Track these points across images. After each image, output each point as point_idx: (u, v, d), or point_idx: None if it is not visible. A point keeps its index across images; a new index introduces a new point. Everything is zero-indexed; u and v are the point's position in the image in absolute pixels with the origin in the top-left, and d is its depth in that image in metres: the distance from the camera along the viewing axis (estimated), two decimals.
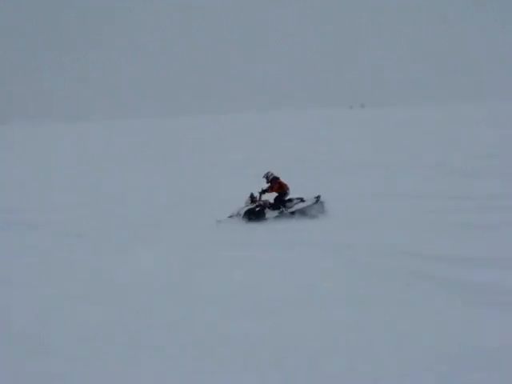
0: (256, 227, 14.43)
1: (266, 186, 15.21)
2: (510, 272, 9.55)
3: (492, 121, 53.01)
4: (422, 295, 8.20)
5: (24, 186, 25.37)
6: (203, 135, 57.09)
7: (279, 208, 14.87)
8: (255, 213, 14.68)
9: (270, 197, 15.25)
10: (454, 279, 9.15)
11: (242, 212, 14.61)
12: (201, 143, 47.00)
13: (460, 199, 17.05)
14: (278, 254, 11.00)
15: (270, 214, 14.80)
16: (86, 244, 12.64)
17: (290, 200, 15.07)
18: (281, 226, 14.37)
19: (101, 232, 14.40)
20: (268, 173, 15.15)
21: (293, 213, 14.82)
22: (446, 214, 14.96)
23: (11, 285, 9.61)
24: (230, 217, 14.61)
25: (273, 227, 14.31)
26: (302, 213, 14.74)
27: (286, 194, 14.95)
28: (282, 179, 15.16)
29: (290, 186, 15.17)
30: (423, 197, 17.83)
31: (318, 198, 14.87)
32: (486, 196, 17.32)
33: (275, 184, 14.93)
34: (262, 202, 14.85)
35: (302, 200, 14.97)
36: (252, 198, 14.82)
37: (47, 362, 6.41)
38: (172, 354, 6.32)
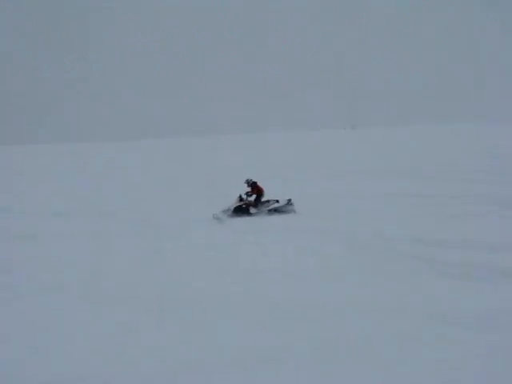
0: (261, 219, 17.45)
1: (248, 189, 18.48)
2: (483, 252, 11.60)
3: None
4: (405, 270, 10.36)
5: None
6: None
7: (259, 206, 18.22)
8: (242, 209, 18.00)
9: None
10: (432, 258, 11.24)
11: (232, 208, 17.92)
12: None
13: (431, 196, 20.68)
14: (289, 238, 14.01)
15: (252, 210, 18.01)
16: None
17: (268, 201, 18.48)
18: (282, 219, 17.19)
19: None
20: (248, 179, 18.61)
21: (270, 211, 18.24)
22: (422, 207, 18.16)
23: (112, 253, 12.99)
24: (224, 211, 17.84)
25: (277, 219, 17.20)
26: (277, 211, 18.25)
27: (262, 195, 18.34)
28: (259, 183, 18.56)
29: (264, 186, 18.72)
30: (404, 195, 21.46)
31: (289, 200, 18.47)
32: (448, 194, 21.09)
33: (255, 188, 18.33)
34: (247, 202, 18.18)
35: (277, 201, 18.46)
36: (240, 198, 18.19)
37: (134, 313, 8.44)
38: (230, 303, 8.75)
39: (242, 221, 17.42)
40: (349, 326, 7.75)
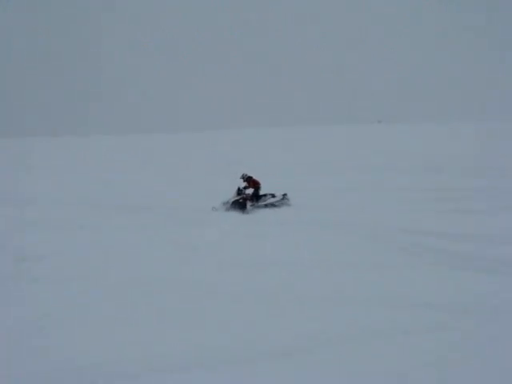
0: (270, 212, 17.89)
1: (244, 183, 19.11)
2: (491, 245, 11.90)
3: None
4: (417, 261, 10.70)
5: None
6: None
7: (257, 200, 18.84)
8: (239, 203, 18.39)
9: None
10: (445, 250, 11.58)
11: (230, 201, 18.46)
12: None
13: (438, 191, 21.04)
14: (302, 228, 14.47)
15: (249, 205, 18.48)
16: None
17: (265, 195, 19.00)
18: (293, 212, 17.59)
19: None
20: (243, 174, 19.22)
21: (266, 205, 18.73)
22: (429, 202, 18.48)
23: (149, 246, 13.00)
24: (223, 204, 18.43)
25: (286, 212, 17.59)
26: (272, 205, 18.83)
27: (259, 188, 18.85)
28: (254, 177, 19.13)
29: (263, 181, 19.29)
30: (411, 189, 21.71)
31: (284, 194, 19.01)
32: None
33: (250, 182, 18.92)
34: (245, 196, 18.59)
35: (273, 196, 19.01)
36: (238, 191, 18.71)
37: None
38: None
39: (264, 212, 17.90)
40: (372, 319, 7.87)
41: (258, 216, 17.56)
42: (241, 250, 12.49)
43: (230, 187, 20.62)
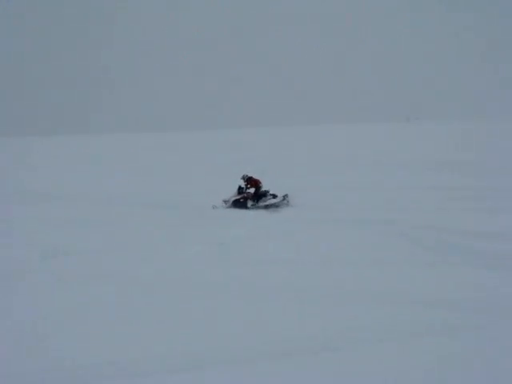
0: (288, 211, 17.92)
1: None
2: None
3: None
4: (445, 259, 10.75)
5: None
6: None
7: (258, 199, 18.86)
8: (240, 202, 18.60)
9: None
10: (475, 248, 11.65)
11: (231, 200, 18.58)
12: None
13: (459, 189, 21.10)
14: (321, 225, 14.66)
15: (249, 204, 18.60)
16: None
17: (265, 194, 18.97)
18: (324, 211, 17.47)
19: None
20: (244, 175, 19.37)
21: (266, 206, 18.67)
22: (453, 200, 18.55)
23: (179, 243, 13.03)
24: (224, 202, 18.56)
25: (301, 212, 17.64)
26: (273, 206, 18.68)
27: (259, 187, 18.97)
28: (254, 176, 19.28)
29: (264, 180, 19.41)
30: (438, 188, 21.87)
31: (285, 195, 18.92)
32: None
33: (251, 181, 19.05)
34: (245, 195, 18.76)
35: (274, 196, 18.95)
36: (239, 190, 18.82)
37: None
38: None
39: (294, 210, 17.93)
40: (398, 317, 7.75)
41: (279, 214, 17.63)
42: (271, 248, 12.55)
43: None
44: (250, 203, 18.78)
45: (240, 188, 18.99)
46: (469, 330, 7.22)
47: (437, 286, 9.15)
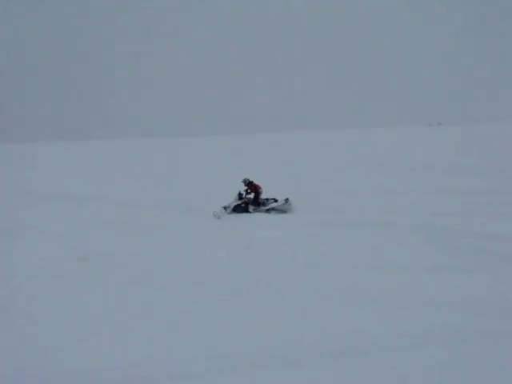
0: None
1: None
2: None
3: None
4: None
5: None
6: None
7: (258, 205, 18.76)
8: (241, 208, 18.53)
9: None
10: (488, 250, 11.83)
11: (232, 206, 18.49)
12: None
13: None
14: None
15: (251, 209, 18.54)
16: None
17: (267, 199, 18.90)
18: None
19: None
20: (245, 179, 19.24)
21: (268, 210, 18.61)
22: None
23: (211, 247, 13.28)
24: (224, 208, 18.39)
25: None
26: (274, 210, 18.57)
27: (259, 192, 18.85)
28: (255, 182, 19.18)
29: (263, 185, 19.23)
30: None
31: (286, 199, 18.71)
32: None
33: (251, 186, 18.94)
34: (246, 200, 18.71)
35: (275, 200, 18.82)
36: (240, 196, 18.73)
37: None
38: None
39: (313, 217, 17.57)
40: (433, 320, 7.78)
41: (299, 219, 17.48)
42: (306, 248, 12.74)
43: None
44: (251, 208, 18.72)
45: (240, 194, 18.89)
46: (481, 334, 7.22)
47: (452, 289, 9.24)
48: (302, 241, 13.73)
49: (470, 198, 19.79)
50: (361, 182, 26.65)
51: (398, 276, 10.10)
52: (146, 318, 8.45)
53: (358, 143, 60.80)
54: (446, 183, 24.56)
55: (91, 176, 35.31)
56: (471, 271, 10.30)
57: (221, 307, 8.81)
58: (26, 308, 9.32)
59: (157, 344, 7.43)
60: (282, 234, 14.68)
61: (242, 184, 19.31)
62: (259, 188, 19.04)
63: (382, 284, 9.65)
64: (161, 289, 9.92)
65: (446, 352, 6.75)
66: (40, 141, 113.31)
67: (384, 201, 19.92)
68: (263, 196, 19.22)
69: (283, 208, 18.65)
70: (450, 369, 6.38)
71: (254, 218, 17.96)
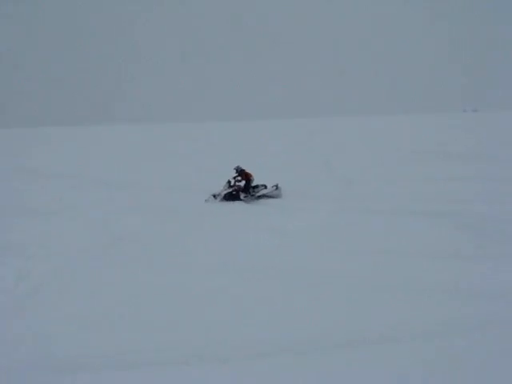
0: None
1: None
2: None
3: None
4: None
5: None
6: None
7: (248, 192, 18.44)
8: (232, 195, 18.29)
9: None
10: None
11: (222, 194, 18.24)
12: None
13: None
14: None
15: (242, 196, 18.17)
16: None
17: (257, 186, 18.66)
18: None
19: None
20: (237, 166, 18.91)
21: (259, 197, 18.35)
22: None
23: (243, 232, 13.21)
24: (214, 196, 18.19)
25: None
26: (265, 196, 18.37)
27: (251, 180, 18.58)
28: (247, 170, 18.89)
29: (255, 174, 18.97)
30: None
31: (276, 185, 18.60)
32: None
33: (242, 174, 18.62)
34: (236, 187, 18.41)
35: (265, 187, 18.60)
36: (229, 184, 18.45)
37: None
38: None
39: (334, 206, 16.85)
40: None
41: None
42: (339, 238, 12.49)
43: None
44: (242, 195, 18.40)
45: (229, 182, 18.65)
46: None
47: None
48: (338, 228, 13.47)
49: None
50: (397, 169, 25.58)
51: (444, 264, 9.88)
52: (205, 303, 8.43)
53: (396, 130, 59.52)
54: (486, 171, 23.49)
55: (121, 161, 34.95)
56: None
57: (271, 292, 8.73)
58: (62, 287, 9.46)
59: (217, 324, 7.50)
60: (315, 222, 14.31)
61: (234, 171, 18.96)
62: (250, 176, 18.78)
63: (428, 273, 9.43)
64: (207, 275, 9.76)
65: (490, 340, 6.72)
66: (40, 126, 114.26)
67: (424, 189, 19.09)
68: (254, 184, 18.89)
69: (273, 194, 18.48)
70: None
71: (282, 202, 17.65)
